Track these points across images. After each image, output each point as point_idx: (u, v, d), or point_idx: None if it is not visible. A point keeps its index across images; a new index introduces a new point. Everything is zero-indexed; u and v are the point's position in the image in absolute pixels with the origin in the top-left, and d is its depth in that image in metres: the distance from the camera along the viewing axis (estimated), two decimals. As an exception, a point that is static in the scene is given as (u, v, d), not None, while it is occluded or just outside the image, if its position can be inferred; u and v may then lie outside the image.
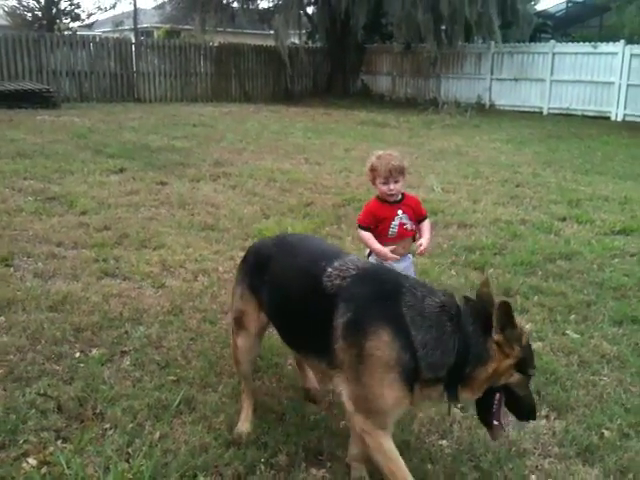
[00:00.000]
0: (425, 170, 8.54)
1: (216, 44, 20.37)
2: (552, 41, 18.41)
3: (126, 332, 3.46)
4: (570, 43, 18.43)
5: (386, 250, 3.13)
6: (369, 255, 3.29)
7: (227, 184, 7.34)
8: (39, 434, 2.53)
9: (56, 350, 3.21)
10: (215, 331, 3.51)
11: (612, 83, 16.31)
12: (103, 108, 15.47)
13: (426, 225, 3.31)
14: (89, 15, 29.60)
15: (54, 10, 27.41)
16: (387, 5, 18.44)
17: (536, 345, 3.41)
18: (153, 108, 16.16)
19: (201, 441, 2.53)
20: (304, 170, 8.38)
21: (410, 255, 3.36)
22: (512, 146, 11.34)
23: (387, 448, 2.08)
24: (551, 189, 7.55)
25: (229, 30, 22.39)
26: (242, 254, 3.36)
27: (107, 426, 2.61)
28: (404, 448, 2.43)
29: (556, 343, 3.49)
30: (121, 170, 7.76)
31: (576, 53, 17.18)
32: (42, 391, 2.82)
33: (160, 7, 25.85)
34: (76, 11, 28.60)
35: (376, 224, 3.20)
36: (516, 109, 17.86)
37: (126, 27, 30.66)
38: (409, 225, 3.22)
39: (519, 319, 3.74)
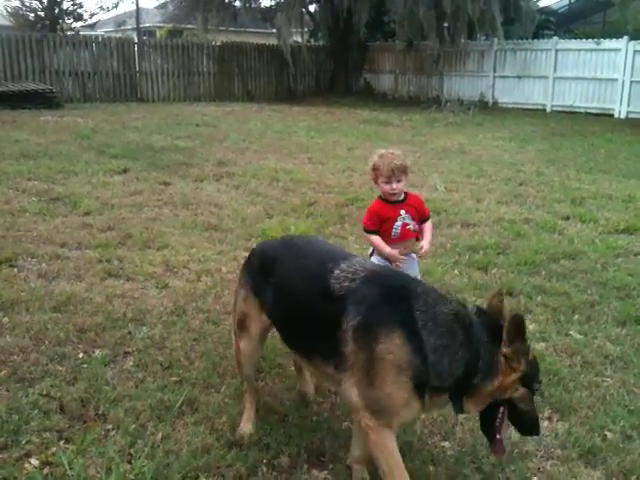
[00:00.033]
0: (428, 169, 8.53)
1: (218, 43, 20.38)
2: (555, 38, 18.35)
3: (129, 333, 3.47)
4: (573, 40, 18.40)
5: (396, 252, 3.13)
6: (371, 255, 3.28)
7: (230, 184, 7.34)
8: (41, 435, 2.54)
9: (59, 351, 3.22)
10: (218, 332, 3.51)
11: (615, 80, 16.24)
12: (106, 108, 15.50)
13: (428, 226, 3.29)
14: (92, 15, 29.67)
15: (57, 10, 27.45)
16: (389, 2, 18.43)
17: (539, 346, 3.41)
18: (156, 108, 16.18)
19: (203, 442, 2.53)
20: (307, 170, 8.38)
21: (414, 255, 3.34)
22: (515, 144, 11.31)
23: (390, 447, 2.08)
24: (554, 188, 7.53)
25: (231, 29, 22.39)
26: (245, 254, 3.37)
27: (109, 427, 2.62)
28: (406, 449, 2.43)
29: (559, 344, 3.48)
30: (124, 170, 7.77)
31: (579, 50, 17.12)
32: (45, 392, 2.83)
33: (162, 6, 25.92)
34: (79, 11, 28.70)
35: (380, 225, 3.19)
36: (519, 107, 17.81)
37: (128, 27, 30.71)
38: (412, 226, 3.20)
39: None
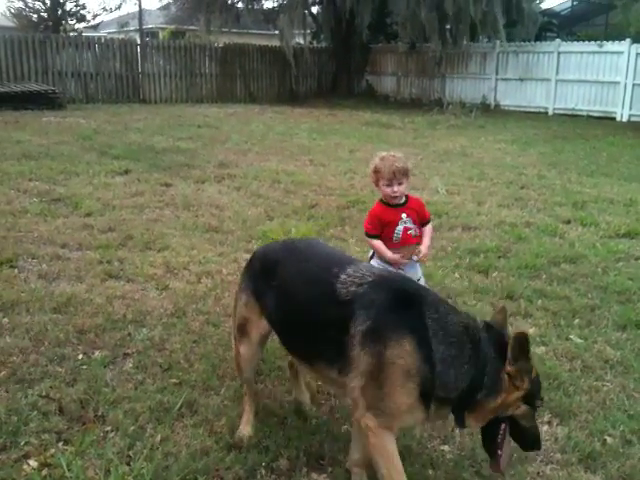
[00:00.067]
0: (430, 172, 8.53)
1: (221, 44, 20.41)
2: (557, 40, 18.34)
3: (129, 334, 3.47)
4: (575, 42, 18.35)
5: (397, 257, 3.12)
6: (371, 258, 3.28)
7: (231, 186, 7.34)
8: (40, 436, 2.54)
9: (59, 352, 3.22)
10: (218, 334, 3.51)
11: (618, 83, 16.22)
12: (109, 109, 15.53)
13: (427, 230, 3.28)
14: (94, 16, 29.64)
15: (60, 11, 27.51)
16: (392, 4, 18.43)
17: (539, 350, 3.41)
18: (158, 109, 16.21)
19: (202, 444, 2.53)
20: (309, 172, 8.39)
21: (415, 258, 3.32)
22: (517, 147, 11.30)
23: (390, 450, 2.08)
24: (556, 191, 7.52)
25: (234, 30, 22.42)
26: (246, 256, 3.37)
27: (108, 428, 2.62)
28: (406, 453, 2.43)
29: (560, 348, 3.47)
30: (126, 171, 7.79)
31: (582, 52, 17.09)
32: (44, 393, 2.83)
33: (165, 8, 25.92)
34: (81, 12, 28.70)
35: (382, 228, 3.19)
36: (521, 109, 17.80)
37: (131, 28, 30.80)
38: (414, 231, 3.19)
39: (522, 323, 3.75)
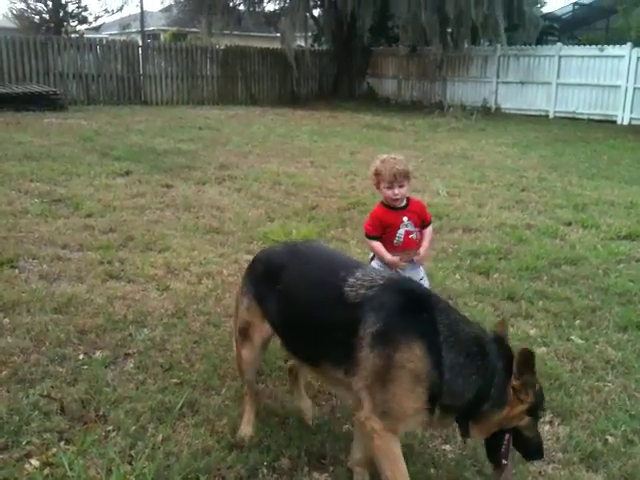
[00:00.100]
0: (430, 174, 8.53)
1: (222, 47, 20.44)
2: (558, 44, 18.37)
3: (130, 334, 3.47)
4: (576, 46, 18.39)
5: (396, 259, 3.12)
6: (372, 260, 3.28)
7: (232, 187, 7.35)
8: (42, 435, 2.54)
9: (60, 352, 3.23)
10: (219, 334, 3.51)
11: (618, 86, 16.25)
12: (110, 111, 15.55)
13: (427, 233, 3.28)
14: (96, 18, 29.79)
15: (61, 13, 27.60)
16: (393, 7, 18.47)
17: (540, 351, 3.41)
18: (160, 111, 16.23)
19: (204, 444, 2.53)
20: (309, 173, 8.39)
21: (415, 259, 3.33)
22: (518, 150, 11.31)
23: (394, 452, 2.08)
24: (557, 193, 7.53)
25: (235, 33, 22.48)
26: (247, 257, 3.37)
27: (110, 428, 2.62)
28: (407, 452, 2.42)
29: (561, 349, 3.47)
30: (127, 173, 7.79)
31: (582, 56, 17.13)
32: (45, 393, 2.84)
33: (167, 10, 25.99)
34: (83, 14, 28.81)
35: (383, 231, 3.19)
36: (522, 112, 17.82)
37: (133, 30, 30.83)
38: (415, 234, 3.19)
39: (523, 324, 3.75)
